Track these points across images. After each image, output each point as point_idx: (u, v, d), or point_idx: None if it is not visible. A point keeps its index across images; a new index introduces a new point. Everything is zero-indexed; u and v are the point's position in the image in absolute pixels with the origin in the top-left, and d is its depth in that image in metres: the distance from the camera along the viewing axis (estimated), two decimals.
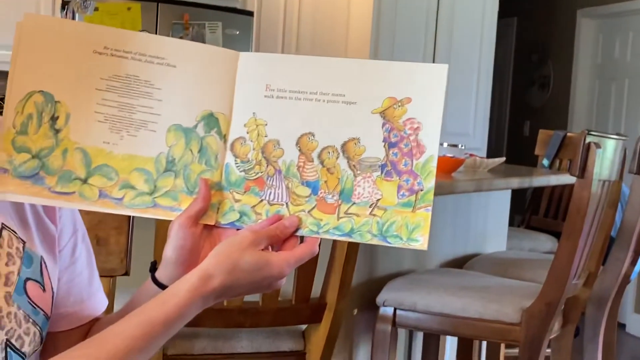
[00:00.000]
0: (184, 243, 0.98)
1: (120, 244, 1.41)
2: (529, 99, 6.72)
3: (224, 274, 0.91)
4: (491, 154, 5.36)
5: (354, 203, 0.96)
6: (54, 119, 0.95)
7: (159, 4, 4.59)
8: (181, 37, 4.54)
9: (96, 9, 4.35)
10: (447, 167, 2.66)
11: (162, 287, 0.99)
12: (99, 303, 1.12)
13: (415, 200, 0.95)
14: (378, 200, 0.95)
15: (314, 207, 0.97)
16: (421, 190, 0.95)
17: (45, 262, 1.00)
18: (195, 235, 0.98)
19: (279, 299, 1.84)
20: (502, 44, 6.39)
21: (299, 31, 5.15)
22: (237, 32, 4.78)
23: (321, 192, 0.97)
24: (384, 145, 0.96)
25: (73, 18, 4.30)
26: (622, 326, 5.17)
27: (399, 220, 0.95)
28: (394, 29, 5.09)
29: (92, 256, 1.12)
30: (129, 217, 1.41)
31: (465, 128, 5.32)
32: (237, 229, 0.98)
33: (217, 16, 4.72)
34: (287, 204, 0.97)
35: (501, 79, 6.76)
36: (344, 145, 0.96)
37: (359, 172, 0.96)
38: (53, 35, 0.95)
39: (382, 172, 0.95)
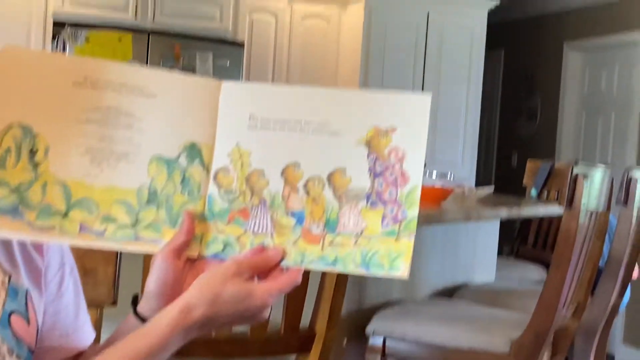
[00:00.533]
0: (166, 276, 0.96)
1: (107, 274, 1.40)
2: (517, 130, 6.76)
3: (206, 305, 0.90)
4: (480, 183, 5.37)
5: (339, 233, 0.95)
6: (32, 152, 0.93)
7: (150, 35, 4.61)
8: (172, 67, 4.56)
9: (87, 40, 4.37)
10: (436, 196, 2.65)
11: (144, 321, 0.97)
12: (85, 336, 1.10)
13: (399, 229, 0.94)
14: (363, 230, 0.94)
15: (298, 238, 0.95)
16: (405, 220, 0.94)
17: (30, 295, 0.99)
18: (177, 268, 0.96)
19: (267, 328, 1.83)
20: (490, 75, 6.44)
21: (289, 61, 5.18)
22: (228, 63, 4.80)
23: (306, 223, 0.95)
24: (370, 175, 0.95)
25: (64, 48, 4.31)
26: (611, 357, 5.16)
27: (382, 249, 0.94)
28: (383, 61, 5.12)
29: (79, 289, 1.10)
30: None
31: (455, 158, 5.35)
32: (221, 261, 0.96)
33: (207, 47, 4.74)
34: (272, 234, 0.96)
35: (490, 109, 6.80)
36: (330, 176, 0.95)
37: (344, 202, 0.95)
38: (32, 67, 0.93)
39: (367, 202, 0.95)
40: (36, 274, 1.01)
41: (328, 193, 0.95)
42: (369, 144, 0.95)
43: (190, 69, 4.65)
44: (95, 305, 1.40)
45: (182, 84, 0.97)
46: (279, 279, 0.94)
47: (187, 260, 0.98)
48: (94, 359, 0.88)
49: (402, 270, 0.93)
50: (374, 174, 0.95)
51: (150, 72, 0.97)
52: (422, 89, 5.14)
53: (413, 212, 0.94)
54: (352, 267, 0.94)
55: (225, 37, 4.91)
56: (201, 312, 0.90)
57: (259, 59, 5.09)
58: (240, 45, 4.93)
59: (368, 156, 0.95)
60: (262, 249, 0.95)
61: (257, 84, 1.01)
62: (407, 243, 0.93)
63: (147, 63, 4.56)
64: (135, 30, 4.59)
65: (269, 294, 0.93)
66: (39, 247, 1.02)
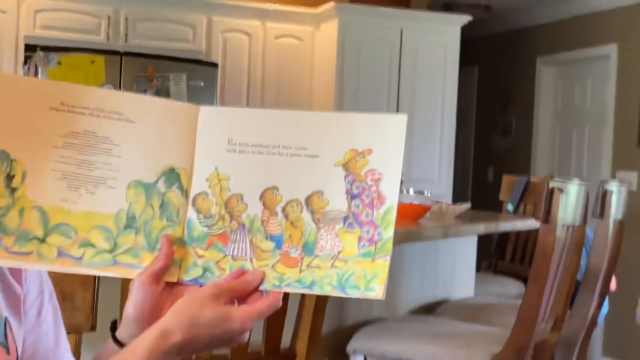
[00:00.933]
0: (144, 301, 0.96)
1: (86, 299, 1.39)
2: (492, 145, 6.82)
3: (184, 330, 0.90)
4: (456, 199, 5.40)
5: (317, 256, 0.95)
6: (9, 177, 0.93)
7: (123, 57, 4.61)
8: (145, 90, 4.55)
9: (59, 63, 4.36)
10: (414, 214, 2.67)
11: (123, 346, 0.97)
12: None
13: (375, 251, 0.94)
14: (339, 252, 0.95)
15: (277, 262, 0.96)
16: (380, 241, 0.94)
17: (9, 324, 0.98)
18: (156, 293, 0.97)
19: (248, 350, 1.83)
20: (465, 90, 6.50)
21: (264, 80, 5.20)
22: (202, 84, 4.80)
23: (285, 246, 0.96)
24: (347, 197, 0.95)
25: (36, 72, 4.30)
26: None
27: (358, 270, 0.94)
28: (357, 78, 5.16)
29: (59, 316, 1.09)
30: None
31: (431, 175, 5.38)
32: (200, 285, 0.96)
33: (181, 68, 4.74)
34: (251, 259, 0.96)
35: (465, 125, 6.85)
36: (307, 199, 0.96)
37: (322, 224, 0.95)
38: (7, 91, 0.93)
39: (344, 224, 0.95)
40: (15, 302, 1.01)
41: (306, 216, 0.96)
42: (346, 166, 0.96)
43: (164, 90, 4.65)
44: (74, 331, 1.39)
45: (161, 108, 0.97)
46: (258, 303, 0.94)
47: (166, 285, 0.98)
48: None
49: (377, 291, 0.93)
50: (351, 196, 0.96)
51: (128, 97, 0.97)
52: (397, 105, 5.17)
53: (389, 233, 0.95)
54: (328, 289, 0.95)
55: (199, 57, 4.92)
56: (179, 336, 0.90)
57: (233, 78, 5.10)
58: (214, 65, 4.94)
59: (345, 178, 0.96)
60: (241, 272, 0.95)
61: (235, 108, 1.02)
62: (382, 264, 0.94)
63: (120, 85, 4.55)
64: (107, 52, 4.59)
65: (248, 317, 0.93)
66: (17, 274, 1.02)
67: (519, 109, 6.47)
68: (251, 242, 0.96)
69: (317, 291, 0.95)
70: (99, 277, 1.43)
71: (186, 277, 0.98)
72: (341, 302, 2.63)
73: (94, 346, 1.59)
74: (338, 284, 0.94)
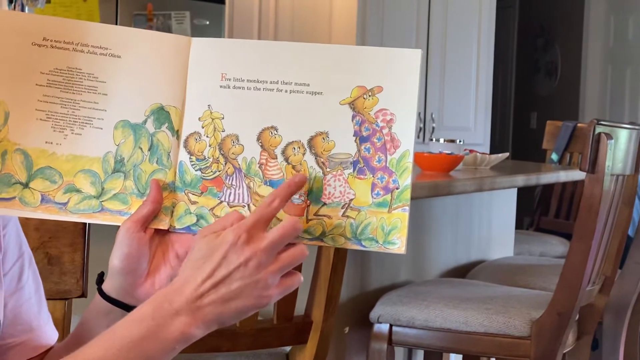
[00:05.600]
0: (130, 249, 0.97)
1: (75, 262, 1.39)
2: (535, 88, 6.75)
3: (183, 277, 0.89)
4: (495, 149, 5.37)
5: (325, 204, 0.96)
6: None
7: None
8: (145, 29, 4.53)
9: (48, 2, 4.34)
10: (444, 165, 2.65)
11: (110, 300, 1.00)
12: (49, 334, 1.10)
13: (391, 200, 0.95)
14: (351, 200, 0.95)
15: None
16: (397, 189, 0.95)
17: None
18: (143, 241, 0.98)
19: (258, 318, 1.83)
20: (503, 28, 6.41)
21: (277, 20, 5.15)
22: (207, 22, 4.78)
23: None
24: (355, 140, 0.96)
25: (22, 11, 4.29)
26: None
27: (374, 221, 0.95)
28: (382, 15, 5.09)
29: (39, 283, 1.11)
30: (84, 231, 1.40)
31: (465, 122, 5.33)
32: (194, 234, 0.97)
33: (184, 5, 4.71)
34: (248, 205, 0.97)
35: (503, 66, 6.78)
36: (310, 140, 0.96)
37: (328, 169, 0.96)
38: None
39: (354, 170, 0.96)
40: None
41: (310, 159, 0.96)
42: (353, 104, 0.96)
43: (165, 29, 4.63)
44: (62, 297, 1.39)
45: (149, 42, 0.99)
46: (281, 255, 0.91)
47: (156, 233, 0.99)
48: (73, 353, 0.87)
49: (398, 244, 0.95)
50: (360, 138, 0.96)
51: (114, 30, 0.99)
52: (427, 46, 5.11)
53: (405, 180, 0.95)
54: (342, 241, 0.95)
55: None
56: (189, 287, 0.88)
57: (242, 17, 5.06)
58: (221, 2, 4.90)
59: (353, 118, 0.96)
60: (240, 216, 0.93)
61: (231, 40, 1.02)
62: (401, 215, 0.95)
63: (116, 25, 4.53)
64: None
65: (245, 228, 0.89)
66: None
67: (565, 47, 6.39)
68: (248, 187, 0.97)
69: (329, 243, 0.96)
70: (88, 238, 1.43)
71: (178, 225, 0.99)
72: (363, 264, 2.63)
73: None
74: (352, 236, 0.95)
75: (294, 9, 5.17)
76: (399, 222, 0.95)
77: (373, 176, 0.95)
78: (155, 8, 4.64)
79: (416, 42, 5.17)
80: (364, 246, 0.95)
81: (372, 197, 0.95)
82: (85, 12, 4.44)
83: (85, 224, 1.38)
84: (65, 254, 1.39)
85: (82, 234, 1.41)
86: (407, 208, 0.95)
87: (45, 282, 1.17)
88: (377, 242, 0.95)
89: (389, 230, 0.95)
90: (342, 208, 0.96)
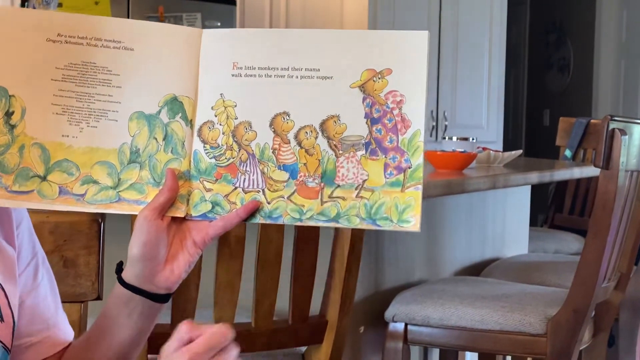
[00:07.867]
0: (148, 238, 0.99)
1: (90, 265, 1.40)
2: (547, 85, 6.73)
3: None
4: (508, 146, 5.35)
5: (338, 186, 0.98)
6: (8, 114, 0.97)
7: None
8: None
9: (60, 5, 4.36)
10: (458, 163, 2.65)
11: (130, 287, 1.02)
12: (67, 331, 1.12)
13: (404, 179, 0.97)
14: (364, 181, 0.98)
15: (293, 192, 0.99)
16: (409, 168, 0.97)
17: (4, 289, 1.00)
18: (160, 229, 1.00)
19: (274, 318, 1.83)
20: (515, 24, 6.39)
21: (288, 21, 5.15)
22: (219, 24, 4.78)
23: (301, 176, 0.99)
24: (366, 122, 0.98)
25: None
26: None
27: (388, 201, 0.97)
28: (393, 17, 5.09)
29: (54, 283, 1.12)
30: (99, 234, 1.40)
31: (478, 120, 5.32)
32: (210, 221, 1.00)
33: (195, 7, 4.72)
34: (263, 190, 0.99)
35: (515, 62, 6.76)
36: (322, 124, 0.98)
37: (341, 152, 0.98)
38: (2, 25, 0.97)
39: (366, 151, 0.98)
40: (9, 265, 1.03)
41: (322, 142, 0.98)
42: (363, 87, 0.98)
43: None
44: (78, 300, 1.40)
45: (161, 33, 1.01)
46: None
47: (173, 221, 1.01)
48: None
49: (412, 222, 0.97)
50: (371, 120, 0.98)
51: (126, 24, 1.01)
52: (439, 41, 5.09)
53: (417, 159, 0.97)
54: (357, 222, 0.98)
55: None
56: None
57: (253, 19, 5.06)
58: (232, 3, 4.91)
59: (363, 101, 0.98)
60: (255, 204, 0.98)
61: (241, 29, 1.03)
62: (414, 194, 0.97)
63: None
64: None
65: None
66: (9, 235, 1.04)
67: (577, 42, 6.36)
68: (262, 172, 0.99)
69: (344, 224, 0.98)
70: (103, 240, 1.43)
71: (194, 213, 1.01)
72: (377, 264, 2.63)
73: None
74: (367, 216, 0.97)
75: (305, 10, 5.17)
76: (412, 200, 0.97)
77: (385, 156, 0.98)
78: (166, 10, 4.65)
79: (428, 39, 5.16)
80: (378, 225, 0.97)
81: (385, 177, 0.97)
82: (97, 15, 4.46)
83: (100, 226, 1.38)
84: (81, 256, 1.40)
85: (97, 237, 1.41)
86: (420, 187, 0.97)
87: (60, 285, 1.18)
88: (391, 221, 0.97)
89: (403, 209, 0.97)
90: (355, 189, 0.98)
